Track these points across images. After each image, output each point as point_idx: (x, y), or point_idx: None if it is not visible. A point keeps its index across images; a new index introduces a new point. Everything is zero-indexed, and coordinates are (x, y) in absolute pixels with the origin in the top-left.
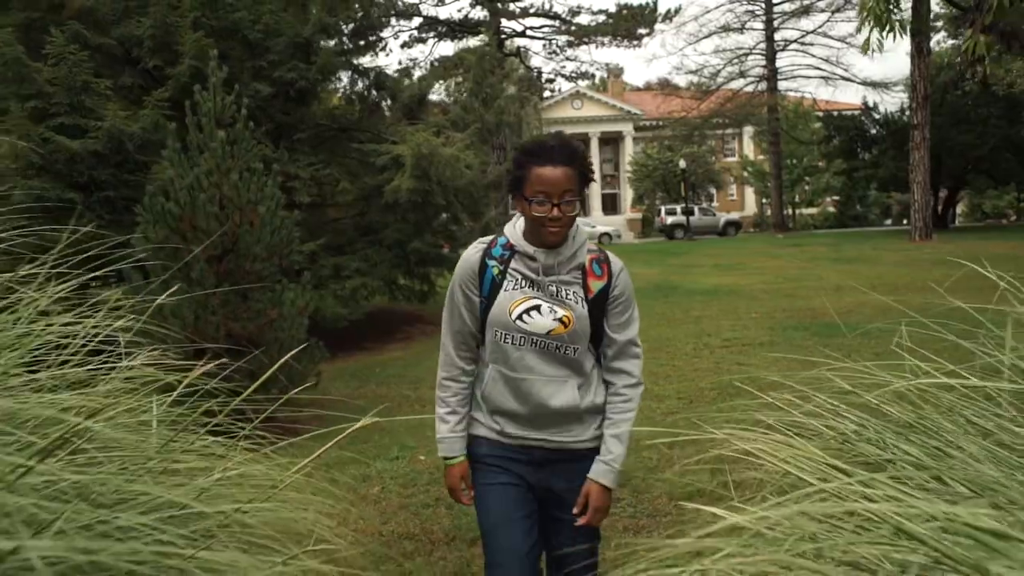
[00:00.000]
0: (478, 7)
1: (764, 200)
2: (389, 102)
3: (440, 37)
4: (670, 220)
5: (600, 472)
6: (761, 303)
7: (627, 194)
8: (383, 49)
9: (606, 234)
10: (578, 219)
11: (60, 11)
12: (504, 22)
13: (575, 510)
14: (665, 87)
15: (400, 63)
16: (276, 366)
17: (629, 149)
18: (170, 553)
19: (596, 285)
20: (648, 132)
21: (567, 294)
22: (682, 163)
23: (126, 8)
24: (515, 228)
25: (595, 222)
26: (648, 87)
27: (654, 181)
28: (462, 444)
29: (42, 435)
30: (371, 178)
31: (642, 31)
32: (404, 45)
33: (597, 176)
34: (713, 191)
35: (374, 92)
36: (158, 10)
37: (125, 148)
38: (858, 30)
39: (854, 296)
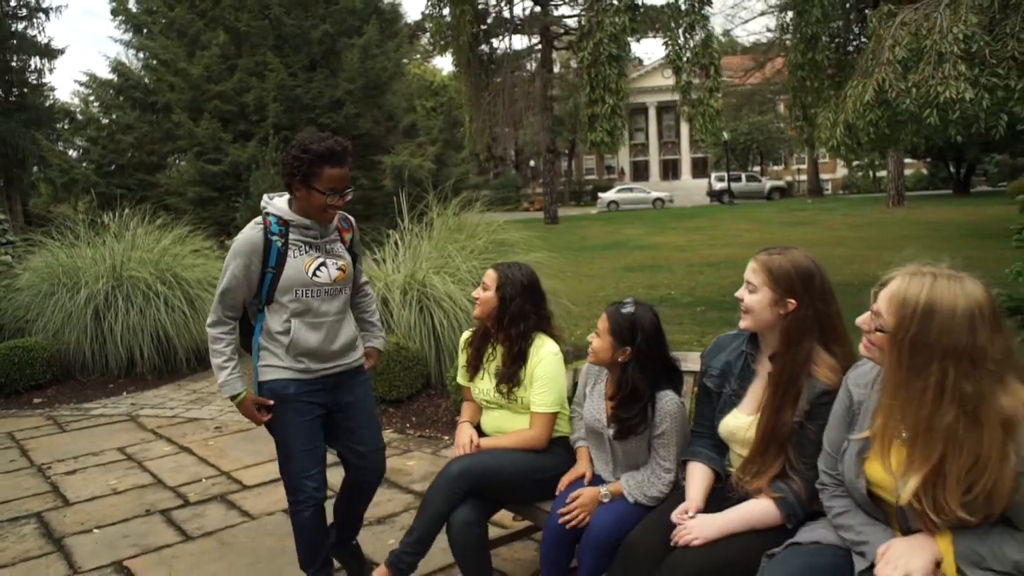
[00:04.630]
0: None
1: (841, 164)
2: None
3: (512, 33)
4: (718, 186)
5: (378, 344)
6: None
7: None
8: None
9: (659, 199)
10: (635, 184)
11: (206, 91)
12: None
13: (366, 364)
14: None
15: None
16: None
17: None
18: None
19: (348, 236)
20: (733, 99)
21: (337, 249)
22: (725, 134)
23: (238, 88)
24: (280, 206)
25: (655, 188)
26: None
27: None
28: (242, 382)
29: None
30: (379, 175)
31: None
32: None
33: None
34: (783, 155)
35: (389, 121)
36: (255, 92)
37: (239, 169)
38: None
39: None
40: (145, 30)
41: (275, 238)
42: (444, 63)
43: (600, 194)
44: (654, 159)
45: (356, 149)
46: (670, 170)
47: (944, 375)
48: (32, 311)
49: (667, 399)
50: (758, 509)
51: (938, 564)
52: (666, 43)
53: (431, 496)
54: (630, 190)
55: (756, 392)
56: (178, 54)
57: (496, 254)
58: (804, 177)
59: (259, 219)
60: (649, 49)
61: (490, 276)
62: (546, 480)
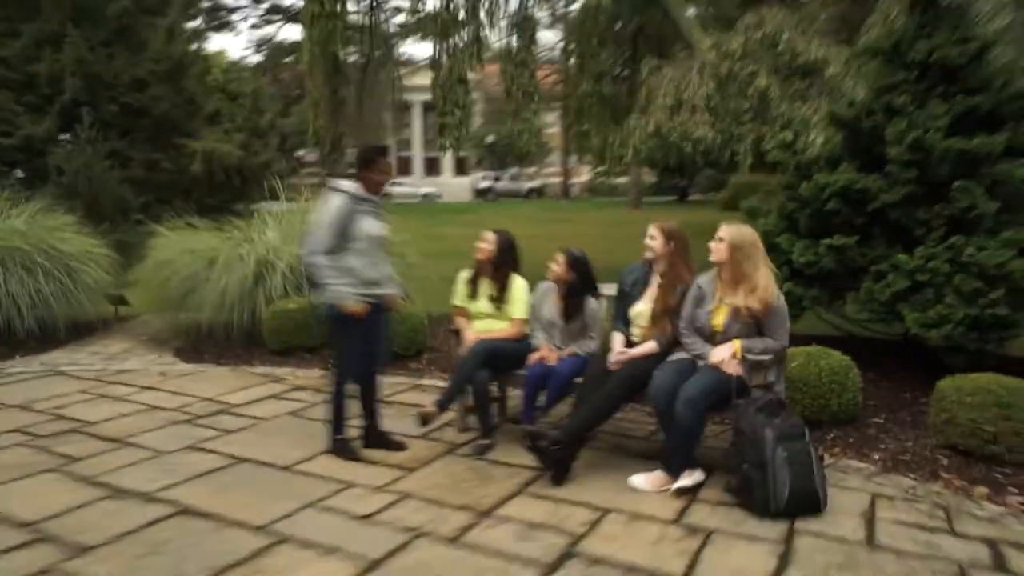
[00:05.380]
0: None
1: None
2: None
3: (287, 20)
4: (482, 185)
5: (392, 290)
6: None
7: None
8: (233, 30)
9: (428, 194)
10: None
11: None
12: None
13: (388, 304)
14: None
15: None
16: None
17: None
18: None
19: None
20: (497, 101)
21: (383, 216)
22: (490, 137)
23: (28, 57)
24: (351, 187)
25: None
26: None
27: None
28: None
29: None
30: (184, 160)
31: None
32: (253, 27)
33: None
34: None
35: (192, 105)
36: (48, 62)
37: (33, 143)
38: None
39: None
40: None
41: (353, 205)
42: (228, 44)
43: None
44: (418, 155)
45: (156, 131)
46: (432, 167)
47: (747, 256)
48: None
49: (592, 303)
50: (648, 345)
51: (734, 354)
52: (432, 64)
53: (464, 363)
54: (400, 184)
55: (651, 292)
56: None
57: None
58: (556, 180)
59: (344, 194)
60: (416, 49)
61: (490, 236)
62: (524, 358)
